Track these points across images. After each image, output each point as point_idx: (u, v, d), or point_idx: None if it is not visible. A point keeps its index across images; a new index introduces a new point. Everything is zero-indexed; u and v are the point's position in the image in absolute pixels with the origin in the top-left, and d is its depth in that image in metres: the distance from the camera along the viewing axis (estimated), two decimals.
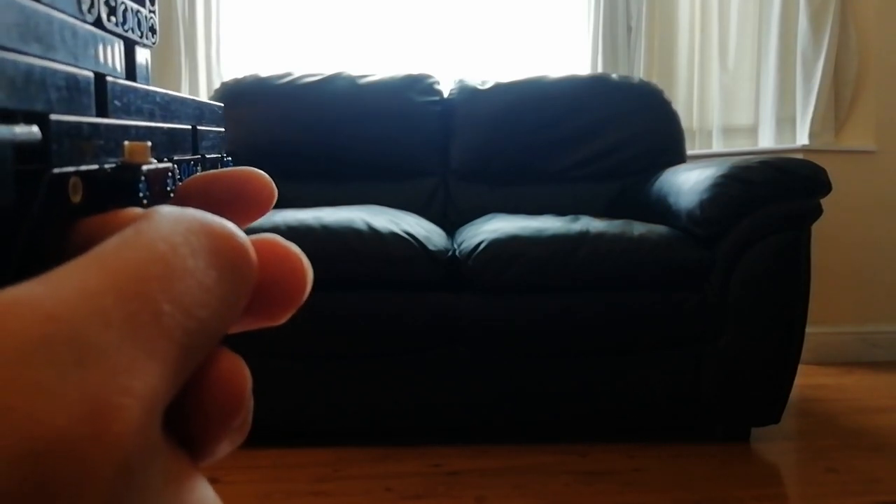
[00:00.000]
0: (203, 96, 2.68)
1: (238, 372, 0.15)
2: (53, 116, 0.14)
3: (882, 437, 1.75)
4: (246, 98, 2.28)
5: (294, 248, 0.17)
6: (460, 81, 2.38)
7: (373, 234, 1.64)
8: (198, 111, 0.24)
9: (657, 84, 2.46)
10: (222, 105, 0.27)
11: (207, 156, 0.24)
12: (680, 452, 1.65)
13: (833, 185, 1.67)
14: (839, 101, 2.63)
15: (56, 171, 0.14)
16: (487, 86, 2.34)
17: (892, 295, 2.57)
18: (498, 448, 1.66)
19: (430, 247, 1.66)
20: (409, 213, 1.95)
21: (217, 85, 2.49)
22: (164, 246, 0.13)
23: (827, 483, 1.50)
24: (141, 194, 0.16)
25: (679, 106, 2.59)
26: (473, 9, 2.87)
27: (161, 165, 0.18)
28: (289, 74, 2.32)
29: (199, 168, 0.22)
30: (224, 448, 0.16)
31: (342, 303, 1.64)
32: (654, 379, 1.70)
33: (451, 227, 2.03)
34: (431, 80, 2.36)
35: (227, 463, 1.57)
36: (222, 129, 0.26)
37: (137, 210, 0.16)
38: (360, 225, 1.66)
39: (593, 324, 1.67)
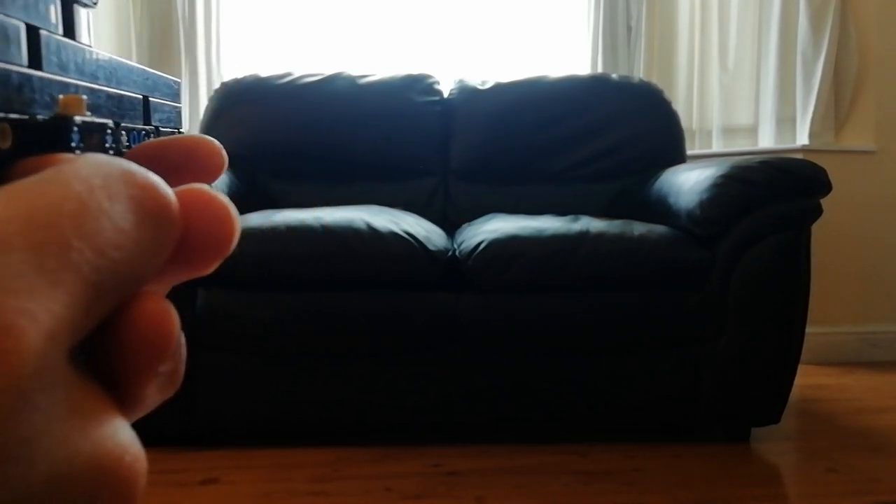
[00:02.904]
0: (203, 96, 2.68)
1: (163, 316, 0.15)
2: None
3: (882, 437, 1.75)
4: (246, 98, 2.28)
5: (221, 196, 0.17)
6: (460, 81, 2.38)
7: (373, 234, 1.64)
8: (150, 82, 0.23)
9: (657, 84, 2.46)
10: (179, 81, 0.27)
11: (161, 128, 0.23)
12: (680, 452, 1.65)
13: (833, 185, 1.67)
14: (839, 101, 2.63)
15: None
16: (487, 86, 2.34)
17: (892, 295, 2.57)
18: (498, 448, 1.66)
19: (430, 247, 1.66)
20: (409, 213, 1.95)
21: (217, 85, 2.49)
22: (81, 186, 0.14)
23: (827, 483, 1.50)
24: (73, 144, 0.16)
25: (679, 106, 2.59)
26: (473, 9, 2.87)
27: (98, 120, 0.18)
28: (289, 74, 2.32)
29: (151, 139, 0.22)
30: (152, 395, 0.16)
31: (342, 303, 1.64)
32: (653, 379, 1.70)
33: (451, 227, 2.03)
34: (431, 80, 2.36)
35: (226, 463, 1.58)
36: (178, 105, 0.26)
37: (69, 155, 0.16)
38: (360, 225, 1.66)
39: (593, 324, 1.67)
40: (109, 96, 0.20)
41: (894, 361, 2.51)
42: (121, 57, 0.20)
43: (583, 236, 1.67)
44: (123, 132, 0.20)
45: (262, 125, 2.25)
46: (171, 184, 0.16)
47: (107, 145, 0.18)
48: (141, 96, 0.22)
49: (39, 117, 0.16)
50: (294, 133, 2.25)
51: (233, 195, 1.94)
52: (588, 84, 2.36)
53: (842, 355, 2.51)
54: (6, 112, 0.15)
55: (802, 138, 2.61)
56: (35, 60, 0.16)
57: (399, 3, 2.84)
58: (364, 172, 2.27)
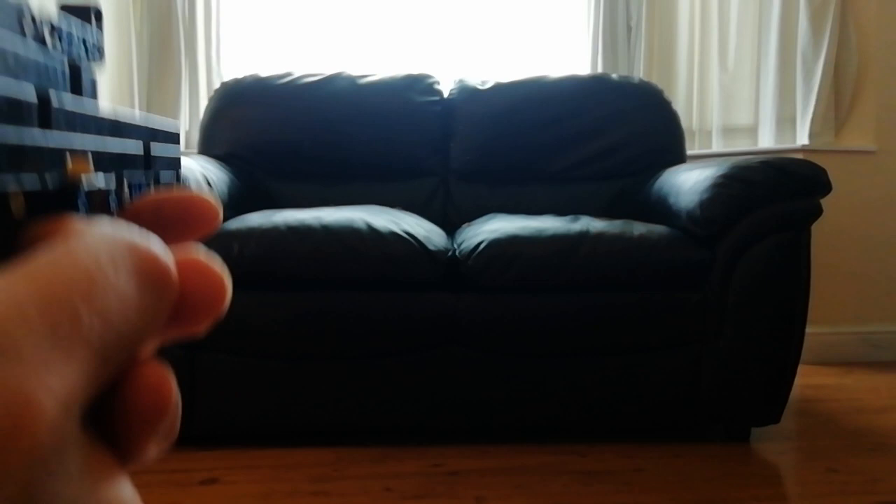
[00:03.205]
0: (203, 96, 2.68)
1: (162, 381, 0.17)
2: None
3: (882, 437, 1.75)
4: (246, 98, 2.28)
5: (215, 264, 0.18)
6: (460, 81, 2.38)
7: (373, 234, 1.64)
8: (151, 130, 0.24)
9: (657, 84, 2.46)
10: (178, 123, 0.27)
11: (162, 172, 0.25)
12: (680, 452, 1.65)
13: (833, 185, 1.67)
14: (839, 101, 2.63)
15: None
16: (487, 86, 2.34)
17: (892, 295, 2.57)
18: (498, 448, 1.66)
19: (430, 247, 1.66)
20: (409, 213, 1.95)
21: (217, 85, 2.49)
22: (90, 262, 0.15)
23: (827, 483, 1.50)
24: (80, 208, 0.18)
25: (679, 106, 2.59)
26: (473, 9, 2.87)
27: (102, 187, 0.19)
28: (289, 74, 2.32)
29: (151, 186, 0.23)
30: (152, 450, 0.17)
31: (342, 303, 1.64)
32: (653, 379, 1.70)
33: (451, 227, 2.04)
34: (431, 80, 2.36)
35: (227, 463, 1.58)
36: (178, 146, 0.27)
37: (76, 222, 0.17)
38: (360, 225, 1.66)
39: (593, 324, 1.67)
40: (113, 149, 0.21)
41: (894, 361, 2.51)
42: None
43: (583, 236, 1.67)
44: (126, 185, 0.21)
45: (261, 125, 2.25)
46: (169, 238, 0.18)
47: (110, 207, 0.20)
48: (142, 144, 0.24)
49: (49, 184, 0.17)
50: (294, 133, 2.25)
51: (233, 195, 1.94)
52: (588, 84, 2.36)
53: (842, 355, 2.51)
54: (17, 173, 0.16)
55: (802, 138, 2.61)
56: (44, 122, 0.17)
57: (399, 3, 2.84)
58: (364, 172, 2.27)
